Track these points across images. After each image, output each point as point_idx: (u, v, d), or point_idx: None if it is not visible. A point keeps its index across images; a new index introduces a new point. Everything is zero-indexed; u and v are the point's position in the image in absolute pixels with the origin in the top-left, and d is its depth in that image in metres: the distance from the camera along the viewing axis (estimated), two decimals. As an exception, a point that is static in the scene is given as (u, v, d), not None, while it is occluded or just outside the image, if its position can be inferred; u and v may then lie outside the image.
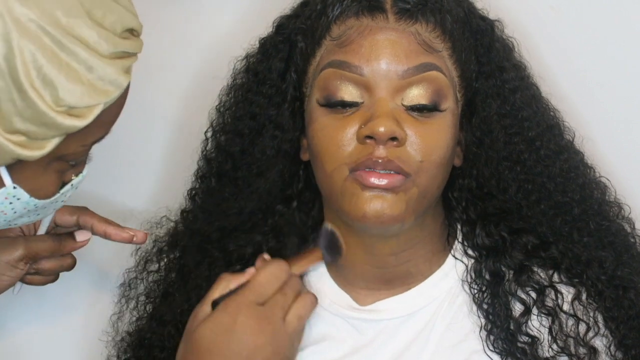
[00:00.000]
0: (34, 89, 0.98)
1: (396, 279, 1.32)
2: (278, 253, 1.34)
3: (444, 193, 1.33)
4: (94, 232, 1.34)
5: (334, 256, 1.30)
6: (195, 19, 1.58)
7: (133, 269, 1.46)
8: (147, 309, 1.43)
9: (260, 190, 1.34)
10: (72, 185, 1.12)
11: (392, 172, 1.22)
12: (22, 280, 1.33)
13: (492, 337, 1.28)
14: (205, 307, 1.22)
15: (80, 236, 1.33)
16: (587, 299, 1.30)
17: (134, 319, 1.44)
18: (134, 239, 1.34)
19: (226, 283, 1.24)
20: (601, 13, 1.50)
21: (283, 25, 1.34)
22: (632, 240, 1.36)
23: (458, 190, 1.33)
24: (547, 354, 1.28)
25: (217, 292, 1.23)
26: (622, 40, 1.50)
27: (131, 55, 1.06)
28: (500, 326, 1.28)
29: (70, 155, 1.07)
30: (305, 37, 1.29)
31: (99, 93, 1.02)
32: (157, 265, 1.44)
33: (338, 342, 1.32)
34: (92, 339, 1.54)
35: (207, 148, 1.39)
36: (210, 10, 1.58)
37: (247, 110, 1.35)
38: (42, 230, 1.32)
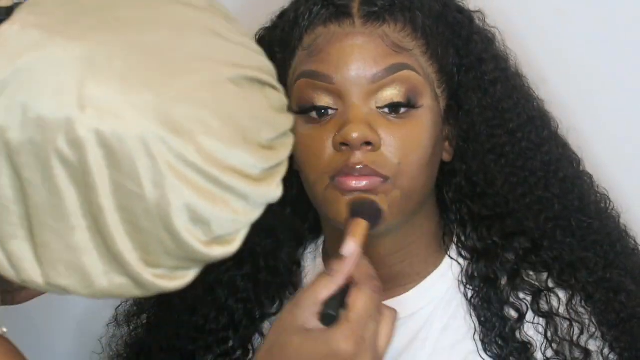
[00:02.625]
0: (188, 231, 0.92)
1: (392, 279, 1.31)
2: (273, 253, 1.35)
3: (440, 192, 1.33)
4: None
5: (376, 220, 1.22)
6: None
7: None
8: (142, 319, 1.43)
9: None
10: None
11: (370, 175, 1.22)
12: None
13: (486, 341, 1.29)
14: (302, 312, 1.09)
15: None
16: (580, 302, 1.29)
17: (131, 327, 1.44)
18: None
19: (325, 284, 1.10)
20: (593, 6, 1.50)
21: (263, 38, 1.34)
22: (617, 235, 1.34)
23: (453, 191, 1.33)
24: (541, 358, 1.28)
25: (322, 294, 1.09)
26: (610, 30, 1.49)
27: (283, 162, 0.98)
28: (494, 330, 1.28)
29: None
30: (281, 49, 1.30)
31: (251, 215, 0.96)
32: None
33: None
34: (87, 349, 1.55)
35: None
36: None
37: None
38: None
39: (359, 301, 1.07)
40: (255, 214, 0.96)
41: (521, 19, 1.47)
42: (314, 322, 1.07)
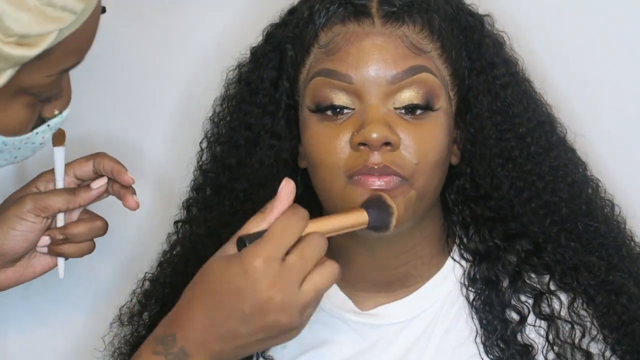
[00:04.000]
0: None
1: (396, 281, 1.32)
2: None
3: (443, 195, 1.33)
4: (104, 171, 1.29)
5: (383, 222, 1.19)
6: (185, 30, 1.60)
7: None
8: (144, 317, 1.42)
9: (263, 201, 1.35)
10: (48, 125, 1.06)
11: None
12: (57, 252, 1.29)
13: (487, 344, 1.29)
14: (229, 245, 1.12)
15: (95, 183, 1.29)
16: (582, 304, 1.30)
17: (134, 327, 1.43)
18: (129, 197, 1.29)
19: (257, 221, 1.12)
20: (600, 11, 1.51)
21: (272, 34, 1.34)
22: (622, 239, 1.35)
23: (455, 193, 1.33)
24: None
25: (246, 229, 1.12)
26: (618, 38, 1.50)
27: None
28: (495, 333, 1.29)
29: (35, 88, 1.02)
30: (294, 46, 1.29)
31: (50, 20, 0.96)
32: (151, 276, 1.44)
33: (340, 346, 1.33)
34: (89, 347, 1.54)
35: (203, 159, 1.40)
36: (200, 21, 1.60)
37: (242, 120, 1.35)
38: (58, 186, 1.29)
39: (278, 222, 1.10)
40: (59, 21, 0.96)
41: (528, 25, 1.48)
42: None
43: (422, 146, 1.23)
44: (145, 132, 1.61)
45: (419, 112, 1.24)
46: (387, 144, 1.21)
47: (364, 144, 1.22)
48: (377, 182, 1.22)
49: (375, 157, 1.21)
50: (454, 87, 1.28)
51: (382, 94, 1.23)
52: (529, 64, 1.37)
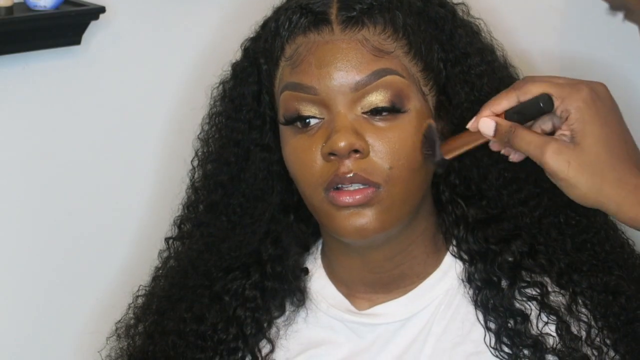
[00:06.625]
0: None
1: (392, 282, 1.32)
2: (279, 260, 1.35)
3: (437, 192, 1.32)
4: None
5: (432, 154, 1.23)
6: (169, 49, 1.61)
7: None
8: (139, 328, 1.42)
9: (264, 214, 1.35)
10: None
11: (360, 186, 1.22)
12: None
13: (488, 341, 1.28)
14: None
15: None
16: (580, 304, 1.28)
17: (130, 339, 1.43)
18: None
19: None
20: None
21: (248, 49, 1.34)
22: (604, 234, 1.31)
23: (448, 190, 1.32)
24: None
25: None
26: (605, 29, 1.49)
27: None
28: (497, 331, 1.28)
29: None
30: (266, 59, 1.30)
31: None
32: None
33: (337, 346, 1.33)
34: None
35: (195, 177, 1.40)
36: (182, 40, 1.61)
37: (230, 137, 1.35)
38: None
39: None
40: None
41: (508, 11, 1.47)
42: None
43: (394, 149, 1.22)
44: (135, 153, 1.63)
45: (385, 114, 1.23)
46: (356, 151, 1.21)
47: (333, 154, 1.22)
48: (349, 199, 1.22)
49: (346, 166, 1.21)
50: (428, 82, 1.27)
51: (348, 102, 1.22)
52: (510, 52, 1.35)
